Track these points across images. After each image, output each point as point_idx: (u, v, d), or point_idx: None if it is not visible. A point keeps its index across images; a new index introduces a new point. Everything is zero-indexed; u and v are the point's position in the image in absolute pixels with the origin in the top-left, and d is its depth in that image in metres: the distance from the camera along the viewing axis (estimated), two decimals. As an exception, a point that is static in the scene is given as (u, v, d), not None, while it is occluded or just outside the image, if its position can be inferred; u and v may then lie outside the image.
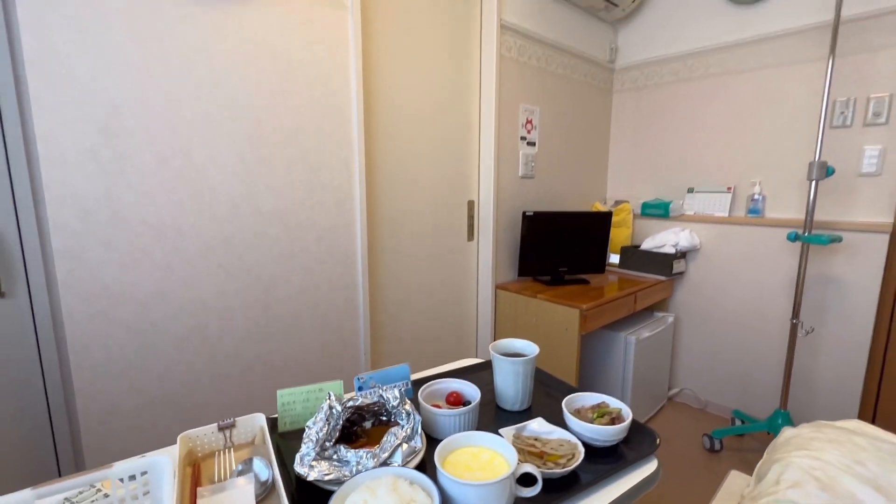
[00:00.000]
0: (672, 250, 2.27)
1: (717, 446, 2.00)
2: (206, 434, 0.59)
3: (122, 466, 0.49)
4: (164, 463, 0.49)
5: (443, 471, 0.49)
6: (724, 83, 2.19)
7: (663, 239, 2.32)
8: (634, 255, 2.37)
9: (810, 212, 1.76)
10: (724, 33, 2.17)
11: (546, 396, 0.80)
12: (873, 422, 1.88)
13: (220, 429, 0.60)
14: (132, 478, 0.50)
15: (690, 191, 2.36)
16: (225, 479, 0.56)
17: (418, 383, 0.76)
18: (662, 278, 2.27)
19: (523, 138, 2.12)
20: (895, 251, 1.80)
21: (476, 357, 1.98)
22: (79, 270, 1.07)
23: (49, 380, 1.13)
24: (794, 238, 1.79)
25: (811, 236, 1.74)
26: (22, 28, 0.95)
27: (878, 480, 0.87)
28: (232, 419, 0.61)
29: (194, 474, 0.57)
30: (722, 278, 2.27)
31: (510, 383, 0.73)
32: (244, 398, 1.37)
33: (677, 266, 2.29)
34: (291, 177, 1.38)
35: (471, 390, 0.72)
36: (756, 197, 2.12)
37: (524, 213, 2.03)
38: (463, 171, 1.99)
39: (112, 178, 1.08)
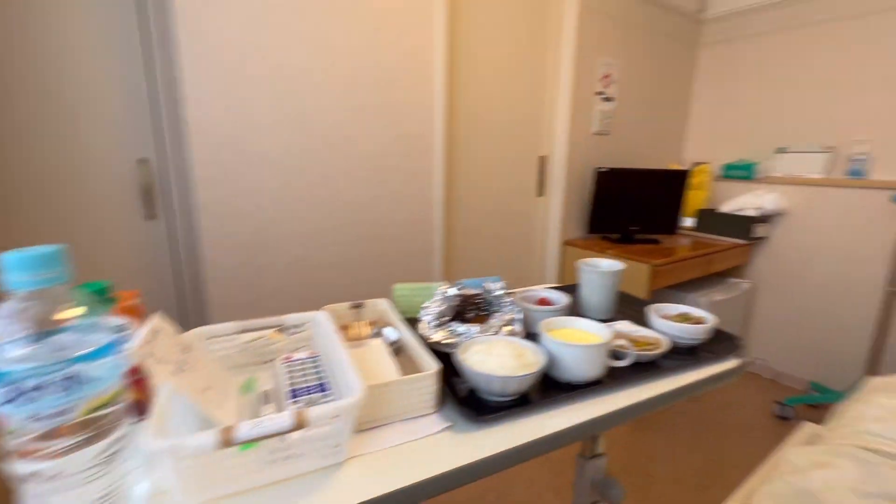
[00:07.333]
0: (754, 213, 2.16)
1: (790, 414, 1.95)
2: (342, 309, 0.73)
3: (294, 316, 0.63)
4: (325, 317, 0.63)
5: (547, 335, 0.58)
6: (832, 31, 2.00)
7: (745, 202, 2.21)
8: (711, 218, 2.29)
9: (924, 169, 1.61)
10: (835, -27, 1.96)
11: (630, 309, 0.85)
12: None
13: (352, 307, 0.73)
14: (297, 326, 0.64)
15: (781, 150, 2.21)
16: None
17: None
18: (741, 242, 2.18)
19: (599, 93, 2.08)
20: None
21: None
22: (213, 197, 1.26)
23: (189, 292, 1.36)
24: (900, 198, 1.66)
25: (922, 196, 1.60)
26: (174, -15, 1.11)
27: (973, 424, 0.85)
28: (361, 301, 0.74)
29: (335, 338, 0.70)
30: (809, 245, 2.14)
31: (596, 292, 0.80)
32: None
33: (759, 231, 2.18)
34: (382, 121, 1.49)
35: (558, 296, 0.79)
36: (860, 157, 1.95)
37: (597, 170, 2.02)
38: (535, 125, 2.01)
39: (236, 117, 1.25)
